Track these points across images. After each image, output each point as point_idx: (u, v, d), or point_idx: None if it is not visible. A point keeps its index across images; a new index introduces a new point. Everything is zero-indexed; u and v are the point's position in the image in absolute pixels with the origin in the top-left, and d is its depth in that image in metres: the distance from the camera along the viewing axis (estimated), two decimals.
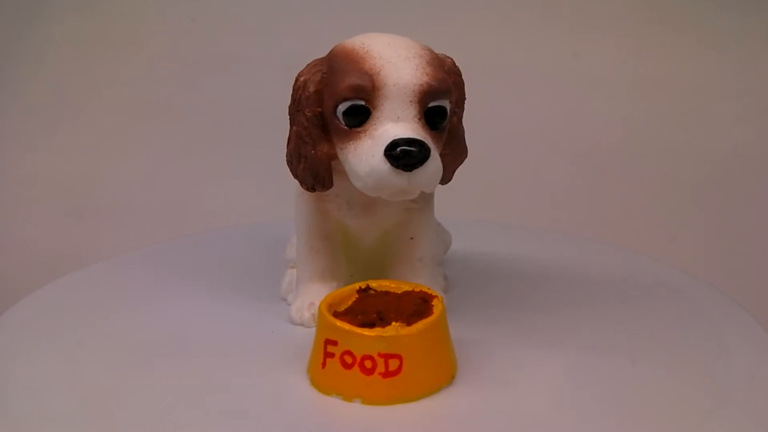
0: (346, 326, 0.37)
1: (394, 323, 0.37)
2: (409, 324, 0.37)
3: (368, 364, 0.36)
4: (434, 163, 0.39)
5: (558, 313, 0.48)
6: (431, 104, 0.40)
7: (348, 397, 0.37)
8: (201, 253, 0.61)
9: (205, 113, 0.89)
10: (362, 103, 0.39)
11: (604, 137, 0.86)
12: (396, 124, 0.39)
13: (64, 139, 0.92)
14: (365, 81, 0.39)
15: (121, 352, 0.42)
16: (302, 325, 0.45)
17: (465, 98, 0.44)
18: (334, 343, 0.37)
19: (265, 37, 0.87)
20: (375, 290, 0.41)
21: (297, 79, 0.42)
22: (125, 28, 0.90)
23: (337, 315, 0.38)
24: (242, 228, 0.68)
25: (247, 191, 0.89)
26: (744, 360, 0.41)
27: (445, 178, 0.45)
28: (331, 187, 0.43)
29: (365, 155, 0.39)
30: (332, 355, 0.37)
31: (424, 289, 0.41)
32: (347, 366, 0.36)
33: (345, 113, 0.40)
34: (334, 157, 0.41)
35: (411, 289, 0.41)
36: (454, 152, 0.44)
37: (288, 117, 0.43)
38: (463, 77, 0.43)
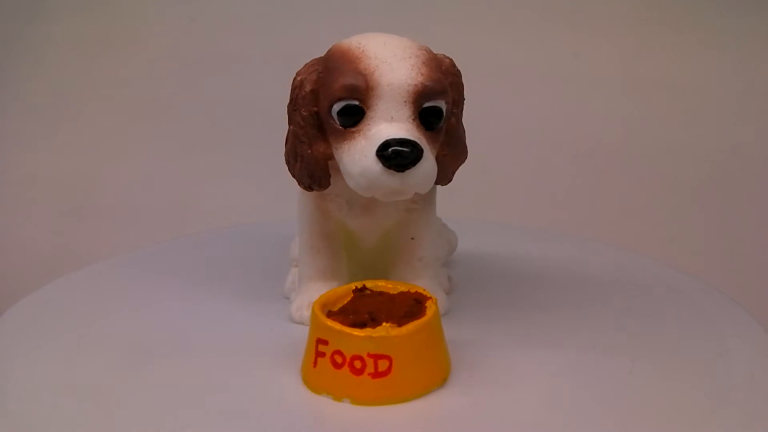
0: (337, 326, 0.37)
1: (384, 324, 0.37)
2: (400, 325, 0.37)
3: (358, 364, 0.36)
4: (427, 164, 0.39)
5: (558, 313, 0.48)
6: (426, 105, 0.39)
7: (338, 397, 0.37)
8: (201, 253, 0.61)
9: (205, 113, 0.89)
10: (356, 103, 0.39)
11: (604, 137, 0.85)
12: (390, 124, 0.39)
13: (64, 139, 0.92)
14: (359, 81, 0.39)
15: (121, 352, 0.42)
16: (302, 323, 0.45)
17: (464, 99, 0.44)
18: (325, 342, 0.37)
19: (265, 37, 0.87)
20: (371, 290, 0.41)
21: (294, 79, 0.42)
22: (125, 28, 0.90)
23: (330, 314, 0.38)
24: (242, 228, 0.68)
25: (247, 191, 0.89)
26: (744, 360, 0.41)
27: (445, 179, 0.45)
28: (327, 186, 0.43)
29: (358, 155, 0.39)
30: (323, 355, 0.37)
31: (420, 291, 0.40)
32: (337, 366, 0.36)
33: (339, 113, 0.40)
34: (331, 156, 0.41)
35: (407, 290, 0.41)
36: (454, 153, 0.44)
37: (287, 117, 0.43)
38: (463, 77, 0.43)
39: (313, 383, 0.38)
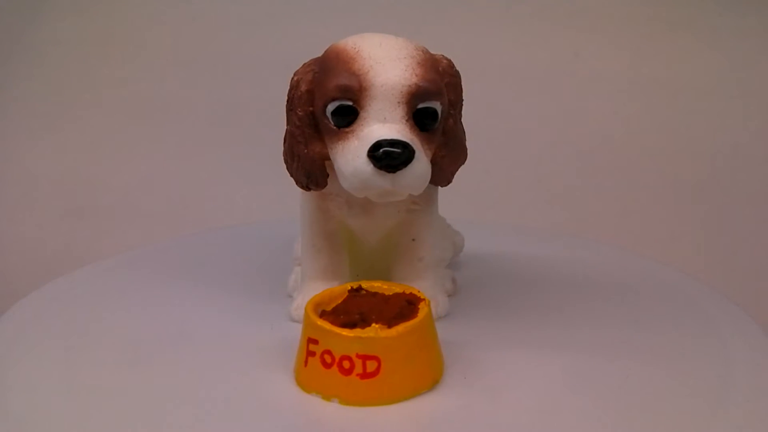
0: (327, 325, 0.37)
1: (374, 325, 0.37)
2: (390, 326, 0.37)
3: (346, 364, 0.36)
4: (420, 165, 0.39)
5: (557, 313, 0.48)
6: (420, 105, 0.39)
7: (327, 396, 0.37)
8: (201, 253, 0.61)
9: (205, 113, 0.89)
10: (350, 103, 0.39)
11: (604, 137, 0.86)
12: (382, 125, 0.39)
13: (64, 139, 0.92)
14: (353, 81, 0.39)
15: (120, 352, 0.42)
16: (301, 322, 0.45)
17: (462, 100, 0.43)
18: (316, 342, 0.37)
19: (265, 37, 0.87)
20: (366, 291, 0.41)
21: (291, 79, 0.42)
22: (125, 28, 0.90)
23: (323, 314, 0.38)
24: (242, 228, 0.68)
25: (247, 191, 0.89)
26: (744, 360, 0.41)
27: (444, 180, 0.45)
28: (324, 186, 0.43)
29: (351, 156, 0.39)
30: (313, 354, 0.37)
31: (414, 292, 0.40)
32: (327, 365, 0.37)
33: (333, 113, 0.40)
34: (327, 156, 0.41)
35: (401, 291, 0.40)
36: (452, 154, 0.43)
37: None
38: (464, 77, 0.43)
39: (304, 382, 0.38)
